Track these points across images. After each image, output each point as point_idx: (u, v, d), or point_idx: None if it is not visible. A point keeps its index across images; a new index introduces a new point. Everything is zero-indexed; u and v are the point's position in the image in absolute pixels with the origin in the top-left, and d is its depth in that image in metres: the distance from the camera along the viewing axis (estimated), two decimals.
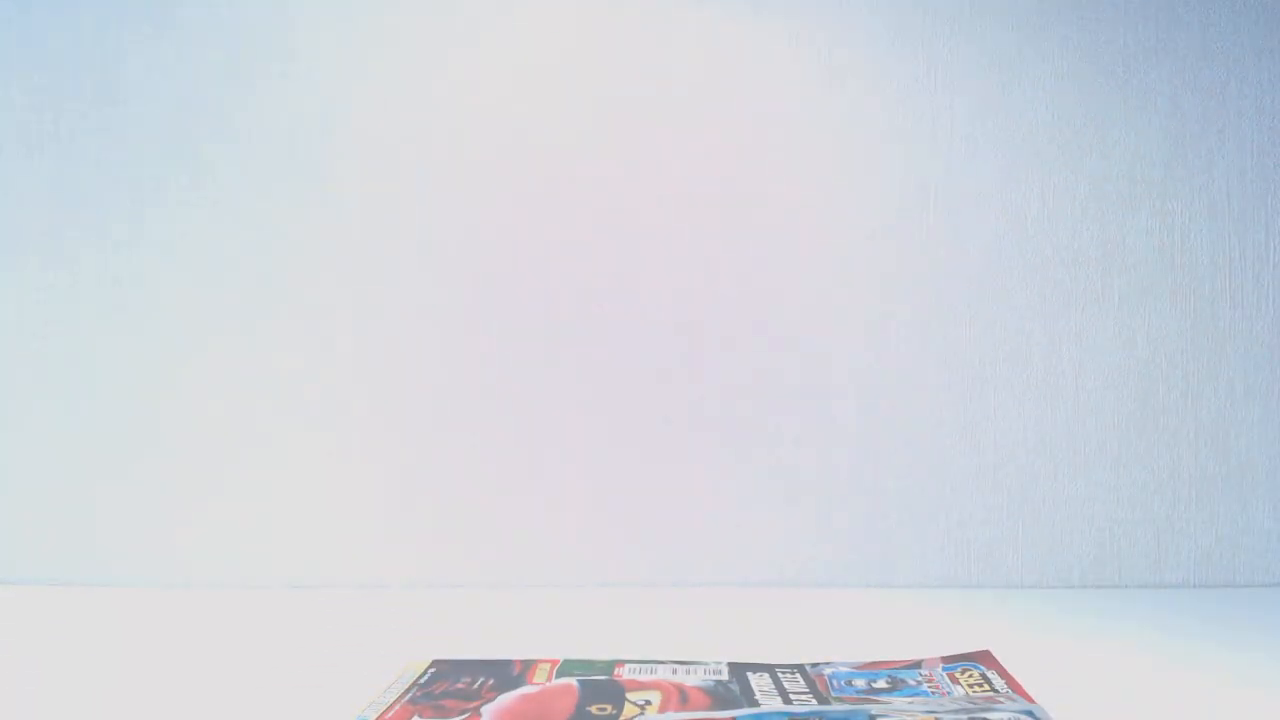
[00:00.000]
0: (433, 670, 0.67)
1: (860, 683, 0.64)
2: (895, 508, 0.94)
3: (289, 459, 0.95)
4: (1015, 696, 0.59)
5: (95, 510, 0.95)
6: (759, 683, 0.64)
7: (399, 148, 0.95)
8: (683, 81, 0.95)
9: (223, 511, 0.95)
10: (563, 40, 0.95)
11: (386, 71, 0.95)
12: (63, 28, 0.95)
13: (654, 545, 0.94)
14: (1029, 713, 0.55)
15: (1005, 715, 0.54)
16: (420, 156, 0.95)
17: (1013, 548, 0.94)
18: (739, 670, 0.66)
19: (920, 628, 0.80)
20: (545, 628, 0.80)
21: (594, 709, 0.59)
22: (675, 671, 0.66)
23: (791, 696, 0.61)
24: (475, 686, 0.63)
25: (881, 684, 0.63)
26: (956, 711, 0.56)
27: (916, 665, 0.67)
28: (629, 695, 0.61)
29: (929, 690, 0.62)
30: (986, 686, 0.62)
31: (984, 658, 0.68)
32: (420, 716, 0.58)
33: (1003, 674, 0.64)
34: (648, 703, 0.60)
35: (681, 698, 0.61)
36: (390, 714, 0.59)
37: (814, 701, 0.60)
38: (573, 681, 0.64)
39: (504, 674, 0.66)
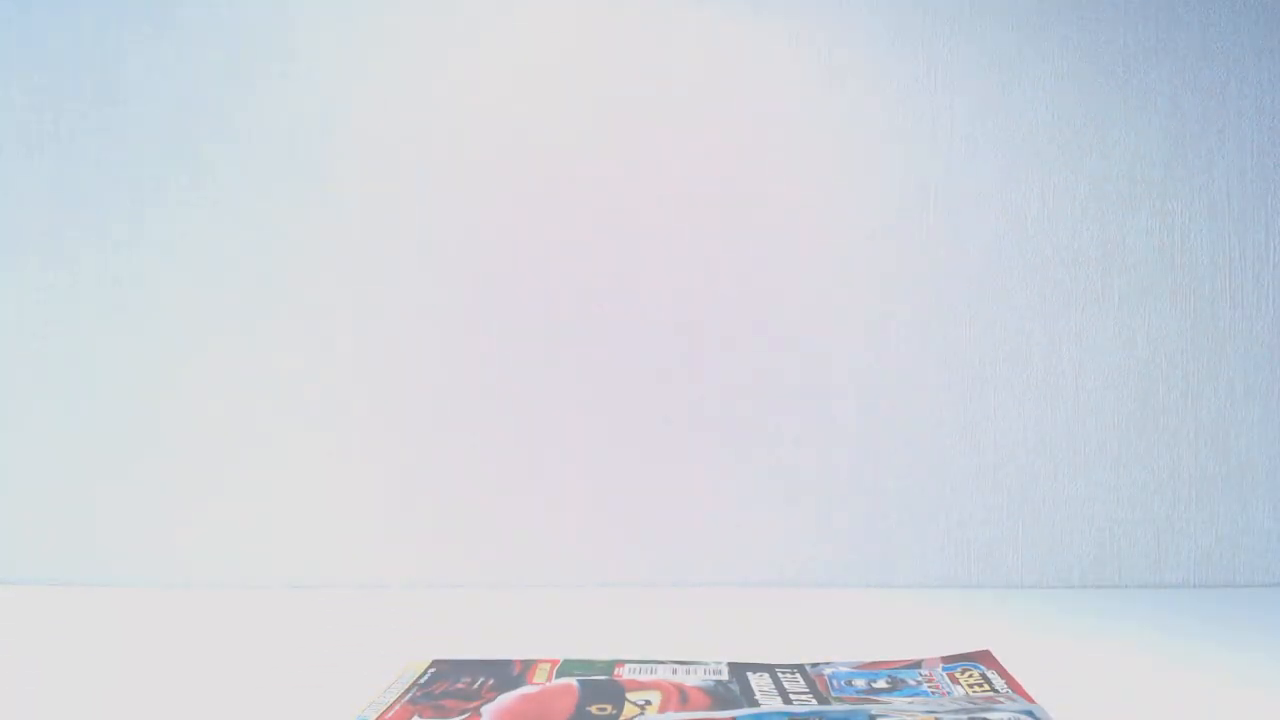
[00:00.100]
0: (433, 670, 0.67)
1: (860, 683, 0.64)
2: (895, 508, 0.94)
3: (289, 459, 0.95)
4: (1015, 696, 0.59)
5: (95, 510, 0.95)
6: (759, 683, 0.64)
7: (399, 148, 0.95)
8: (683, 81, 0.95)
9: (223, 511, 0.95)
10: (563, 40, 0.95)
11: (386, 71, 0.95)
12: (63, 28, 0.95)
13: (654, 545, 0.94)
14: (1029, 713, 0.55)
15: (1005, 715, 0.54)
16: (420, 156, 0.95)
17: (1013, 548, 0.94)
18: (739, 670, 0.66)
19: (920, 628, 0.80)
20: (545, 628, 0.80)
21: (594, 709, 0.59)
22: (675, 671, 0.66)
23: (791, 696, 0.61)
24: (475, 686, 0.63)
25: (881, 684, 0.63)
26: (956, 711, 0.56)
27: (916, 665, 0.67)
28: (629, 695, 0.61)
29: (929, 690, 0.62)
30: (986, 686, 0.62)
31: (984, 658, 0.68)
32: (420, 716, 0.58)
33: (1003, 674, 0.64)
34: (648, 703, 0.60)
35: (681, 698, 0.61)
36: (390, 714, 0.59)
37: (814, 701, 0.60)
38: (573, 681, 0.64)
39: (504, 674, 0.66)
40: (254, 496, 0.95)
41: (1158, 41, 0.94)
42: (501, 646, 0.75)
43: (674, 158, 0.95)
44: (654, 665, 0.67)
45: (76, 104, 0.95)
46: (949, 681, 0.63)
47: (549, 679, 0.64)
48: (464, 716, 0.58)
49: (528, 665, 0.67)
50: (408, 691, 0.62)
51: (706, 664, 0.68)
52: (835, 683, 0.64)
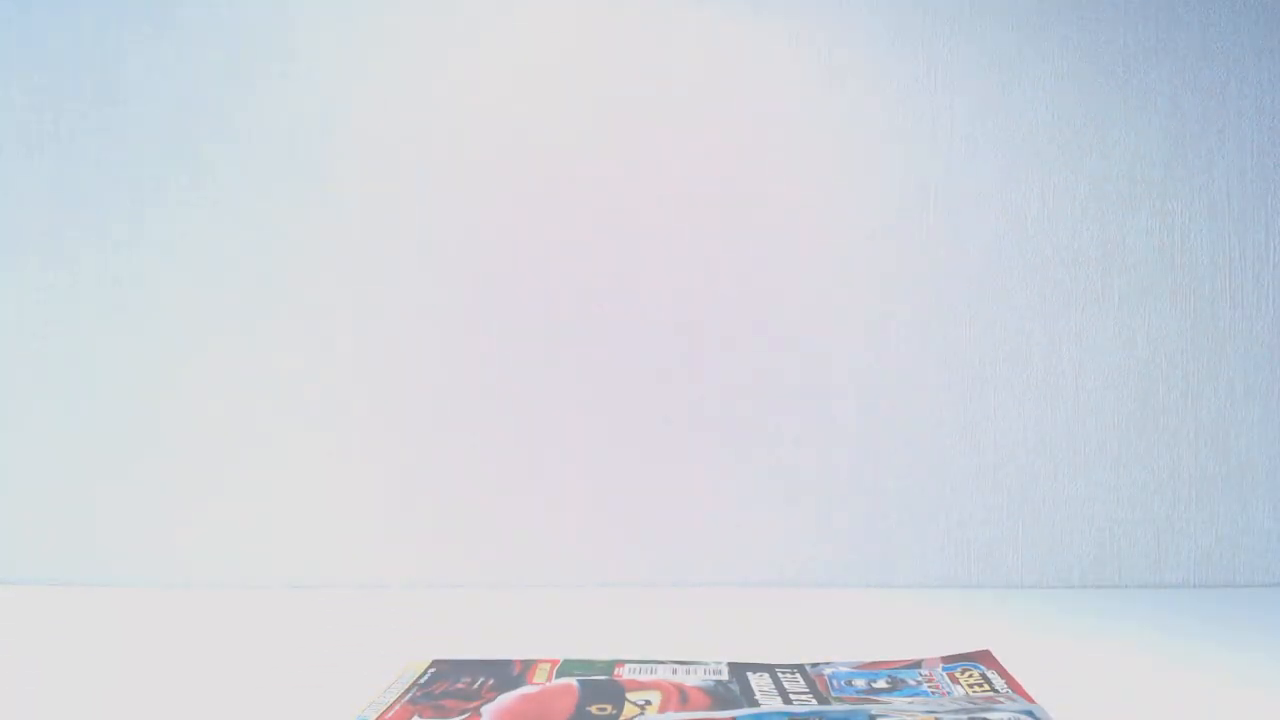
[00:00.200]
0: (433, 670, 0.67)
1: (860, 683, 0.64)
2: (895, 508, 0.94)
3: (289, 459, 0.95)
4: (1015, 696, 0.59)
5: (95, 510, 0.95)
6: (759, 683, 0.64)
7: (399, 148, 0.95)
8: (683, 81, 0.95)
9: (223, 511, 0.95)
10: (563, 40, 0.95)
11: (386, 71, 0.95)
12: (63, 28, 0.95)
13: (654, 545, 0.94)
14: (1029, 713, 0.55)
15: (1005, 715, 0.54)
16: (420, 156, 0.95)
17: (1013, 548, 0.94)
18: (739, 670, 0.66)
19: (920, 628, 0.80)
20: (545, 628, 0.80)
21: (594, 709, 0.59)
22: (675, 671, 0.66)
23: (791, 696, 0.61)
24: (475, 686, 0.63)
25: (881, 684, 0.63)
26: (956, 711, 0.56)
27: (916, 665, 0.67)
28: (629, 695, 0.61)
29: (929, 690, 0.62)
30: (986, 686, 0.62)
31: (984, 658, 0.68)
32: (420, 716, 0.58)
33: (1003, 674, 0.64)
34: (648, 703, 0.60)
35: (681, 698, 0.61)
36: (390, 714, 0.59)
37: (814, 701, 0.60)
38: (573, 681, 0.64)
39: (504, 674, 0.66)
40: (254, 496, 0.95)
41: (1158, 41, 0.94)
42: (501, 646, 0.75)
43: (674, 158, 0.95)
44: (654, 665, 0.67)
45: (76, 104, 0.95)
46: (949, 681, 0.63)
47: (549, 679, 0.64)
48: (464, 716, 0.58)
49: (528, 665, 0.67)
50: (408, 691, 0.62)
51: (706, 664, 0.68)
52: (835, 683, 0.64)
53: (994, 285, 0.94)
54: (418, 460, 0.94)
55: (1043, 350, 0.94)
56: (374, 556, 0.94)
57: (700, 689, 0.62)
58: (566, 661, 0.68)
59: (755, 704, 0.59)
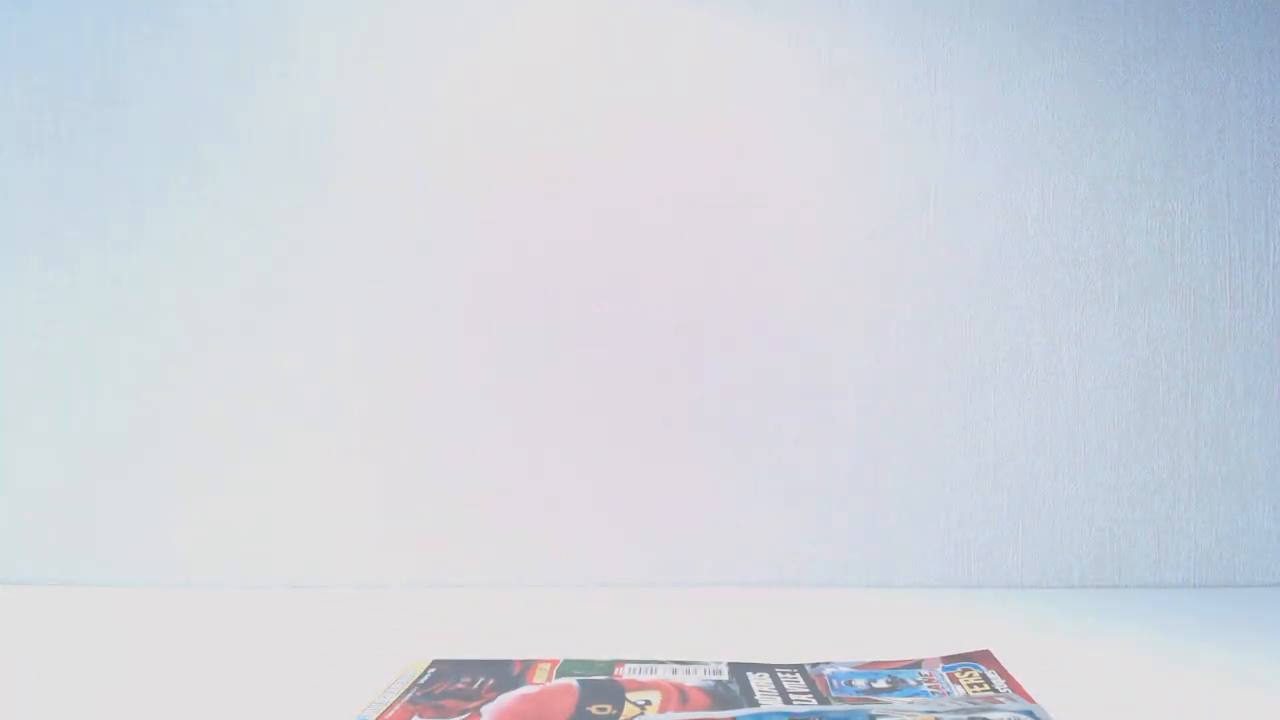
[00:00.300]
0: (433, 670, 0.67)
1: (860, 683, 0.64)
2: (895, 508, 0.94)
3: (289, 459, 0.95)
4: (1015, 696, 0.59)
5: (95, 510, 0.95)
6: (759, 683, 0.64)
7: (399, 148, 0.95)
8: (683, 81, 0.95)
9: (223, 511, 0.95)
10: (563, 40, 0.95)
11: (386, 71, 0.95)
12: (63, 28, 0.95)
13: (654, 545, 0.94)
14: (1029, 713, 0.55)
15: (1005, 715, 0.54)
16: (420, 156, 0.95)
17: (1013, 548, 0.94)
18: (739, 670, 0.66)
19: (920, 628, 0.80)
20: (545, 628, 0.80)
21: (594, 709, 0.59)
22: (675, 671, 0.66)
23: (791, 696, 0.61)
24: (475, 686, 0.63)
25: (881, 684, 0.63)
26: (956, 711, 0.56)
27: (916, 665, 0.67)
28: (629, 695, 0.61)
29: (929, 690, 0.62)
30: (986, 686, 0.62)
31: (984, 658, 0.68)
32: (420, 716, 0.58)
33: (1003, 674, 0.64)
34: (648, 703, 0.60)
35: (681, 698, 0.61)
36: (390, 714, 0.59)
37: (814, 701, 0.60)
38: (573, 681, 0.64)
39: (504, 674, 0.66)
40: (254, 496, 0.95)
41: (1158, 41, 0.94)
42: (501, 646, 0.75)
43: (674, 158, 0.95)
44: (654, 665, 0.67)
45: (76, 104, 0.95)
46: (949, 681, 0.63)
47: (549, 679, 0.64)
48: (464, 716, 0.58)
49: (528, 665, 0.67)
50: (408, 691, 0.62)
51: (706, 664, 0.68)
52: (835, 683, 0.64)
53: (994, 285, 0.94)
54: (418, 460, 0.94)
55: (1043, 350, 0.94)
56: (374, 556, 0.94)
57: (700, 689, 0.62)
58: (566, 661, 0.68)
59: (755, 704, 0.59)
